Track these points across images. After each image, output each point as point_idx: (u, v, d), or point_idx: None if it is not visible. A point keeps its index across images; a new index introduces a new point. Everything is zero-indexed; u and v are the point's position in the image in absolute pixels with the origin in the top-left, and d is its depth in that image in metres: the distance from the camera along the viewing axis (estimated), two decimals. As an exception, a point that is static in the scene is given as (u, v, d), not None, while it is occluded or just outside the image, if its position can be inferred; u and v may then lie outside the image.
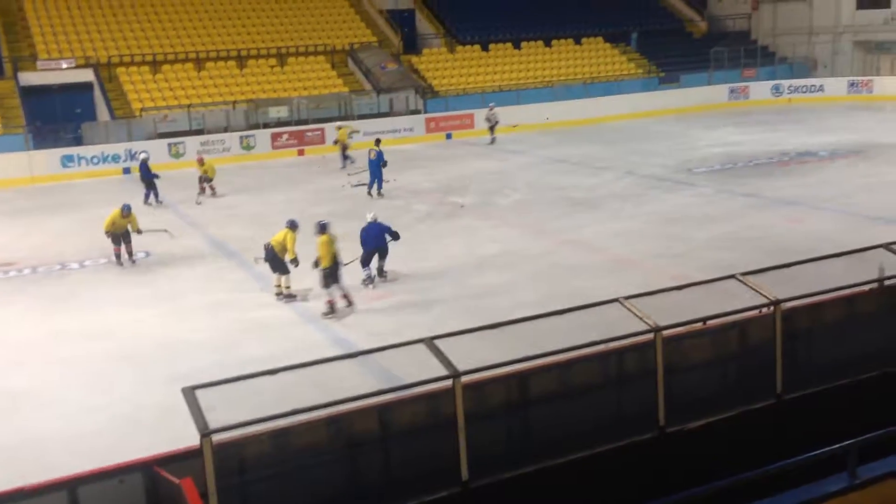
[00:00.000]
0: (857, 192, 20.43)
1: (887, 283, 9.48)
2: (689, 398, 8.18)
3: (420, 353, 7.60)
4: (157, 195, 23.39)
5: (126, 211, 17.28)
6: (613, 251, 16.83)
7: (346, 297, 13.90)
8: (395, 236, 15.34)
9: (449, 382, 6.89)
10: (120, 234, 17.36)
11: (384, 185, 23.38)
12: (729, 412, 7.76)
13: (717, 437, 7.63)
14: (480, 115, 34.55)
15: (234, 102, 32.84)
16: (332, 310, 13.74)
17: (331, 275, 13.63)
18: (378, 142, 23.72)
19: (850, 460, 6.04)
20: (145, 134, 30.60)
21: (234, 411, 6.40)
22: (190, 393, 6.25)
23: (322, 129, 32.23)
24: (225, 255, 17.93)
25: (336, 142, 29.08)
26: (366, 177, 23.77)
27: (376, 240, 15.03)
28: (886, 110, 34.66)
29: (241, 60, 35.50)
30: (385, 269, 15.38)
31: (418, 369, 7.44)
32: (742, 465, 6.10)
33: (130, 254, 17.58)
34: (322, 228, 13.81)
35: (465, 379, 7.01)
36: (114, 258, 17.48)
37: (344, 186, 24.67)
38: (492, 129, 31.87)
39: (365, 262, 15.08)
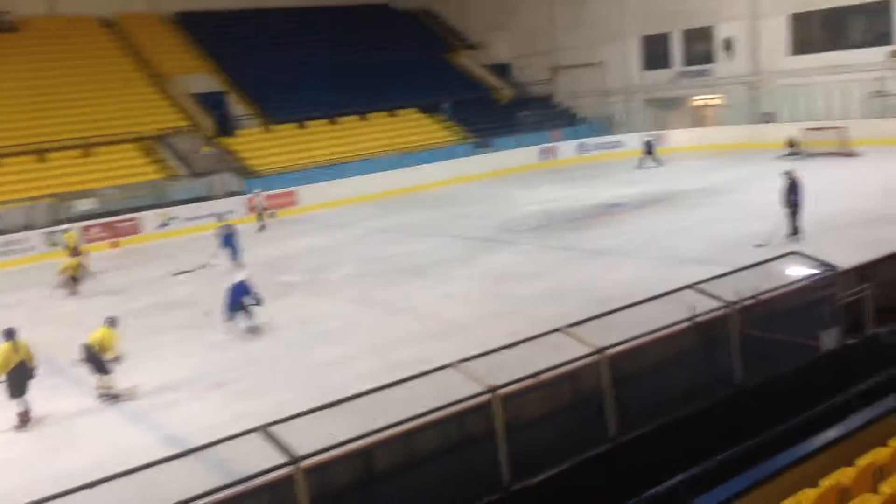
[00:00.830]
0: (664, 237, 21.85)
1: (698, 319, 10.12)
2: (531, 451, 8.30)
3: (259, 443, 7.29)
4: None
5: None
6: (446, 315, 17.02)
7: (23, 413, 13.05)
8: (258, 300, 16.59)
9: (291, 469, 6.63)
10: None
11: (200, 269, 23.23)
12: (569, 462, 7.92)
13: (560, 487, 7.75)
14: (302, 191, 34.50)
15: (36, 198, 30.90)
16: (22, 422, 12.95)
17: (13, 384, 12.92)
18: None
19: (683, 495, 6.30)
20: (-63, 238, 28.15)
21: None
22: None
23: (136, 219, 30.90)
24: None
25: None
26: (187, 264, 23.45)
27: (234, 298, 16.29)
28: (677, 160, 37.56)
29: (41, 154, 33.59)
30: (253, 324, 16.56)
31: (261, 458, 7.12)
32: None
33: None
34: (8, 335, 13.15)
35: (306, 463, 6.77)
36: None
37: (165, 276, 23.65)
38: (259, 215, 31.30)
39: (229, 314, 16.36)
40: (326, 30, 46.88)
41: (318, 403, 7.77)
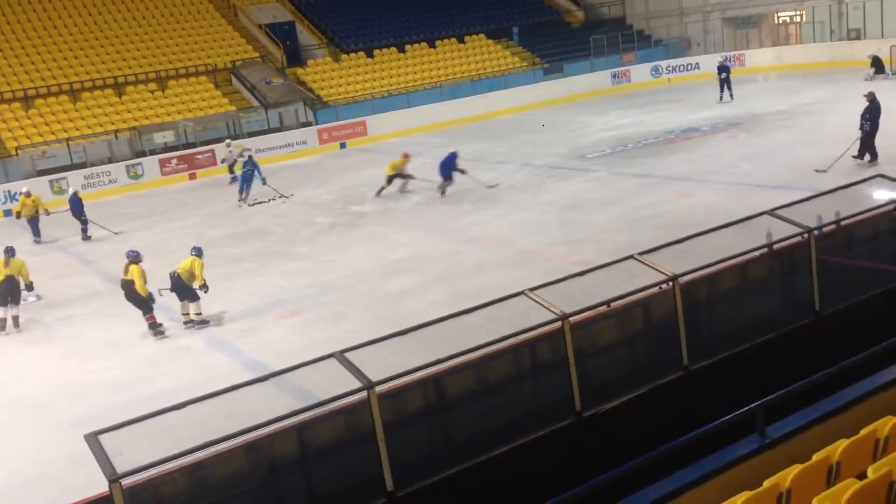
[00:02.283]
0: (739, 162, 21.26)
1: (775, 247, 9.87)
2: (602, 380, 8.33)
3: (334, 368, 7.49)
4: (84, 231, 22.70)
5: (8, 254, 15.35)
6: (517, 244, 17.02)
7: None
8: (463, 171, 21.78)
9: (364, 394, 6.81)
10: (6, 291, 14.99)
11: (283, 198, 24.03)
12: (641, 389, 7.93)
13: (632, 415, 7.79)
14: (372, 122, 34.59)
15: (116, 132, 31.75)
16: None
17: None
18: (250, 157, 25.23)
19: (759, 421, 6.25)
20: (23, 173, 29.22)
21: (144, 452, 6.16)
22: (93, 439, 5.98)
23: (212, 151, 31.50)
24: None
25: (223, 161, 28.78)
26: (263, 193, 23.94)
27: (444, 168, 21.77)
28: (758, 81, 36.22)
29: (118, 87, 34.35)
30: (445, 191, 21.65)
31: (333, 384, 7.32)
32: (657, 439, 6.23)
33: (17, 322, 15.22)
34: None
35: (380, 388, 6.94)
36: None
37: (241, 206, 24.19)
38: (231, 167, 28.44)
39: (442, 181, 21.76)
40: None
41: (391, 331, 7.90)
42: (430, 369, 7.65)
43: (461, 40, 41.93)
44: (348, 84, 37.57)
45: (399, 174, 23.28)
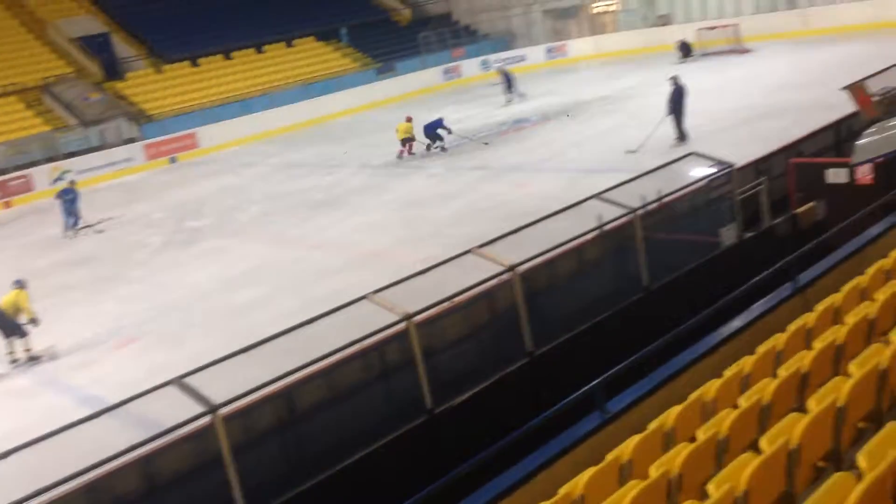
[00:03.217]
0: (569, 148, 22.10)
1: (606, 228, 10.33)
2: (452, 375, 8.45)
3: (179, 394, 7.19)
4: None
5: None
6: (361, 246, 16.95)
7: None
8: (450, 129, 23.99)
9: (210, 418, 6.58)
10: None
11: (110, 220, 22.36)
12: (489, 379, 8.08)
13: (482, 406, 7.93)
14: (202, 133, 33.58)
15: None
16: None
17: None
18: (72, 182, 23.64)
19: (599, 398, 6.51)
20: None
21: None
22: None
23: (27, 176, 29.49)
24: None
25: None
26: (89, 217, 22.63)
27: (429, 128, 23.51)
28: (581, 70, 37.78)
29: (-84, 114, 31.57)
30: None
31: (181, 410, 7.04)
32: (508, 426, 6.36)
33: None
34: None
35: (226, 410, 6.72)
36: None
37: (68, 235, 22.81)
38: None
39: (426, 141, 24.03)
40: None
41: (239, 347, 7.68)
42: (280, 383, 7.50)
43: (289, 44, 41.29)
44: (174, 95, 36.16)
45: (412, 137, 25.17)
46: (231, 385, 7.26)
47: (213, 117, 34.45)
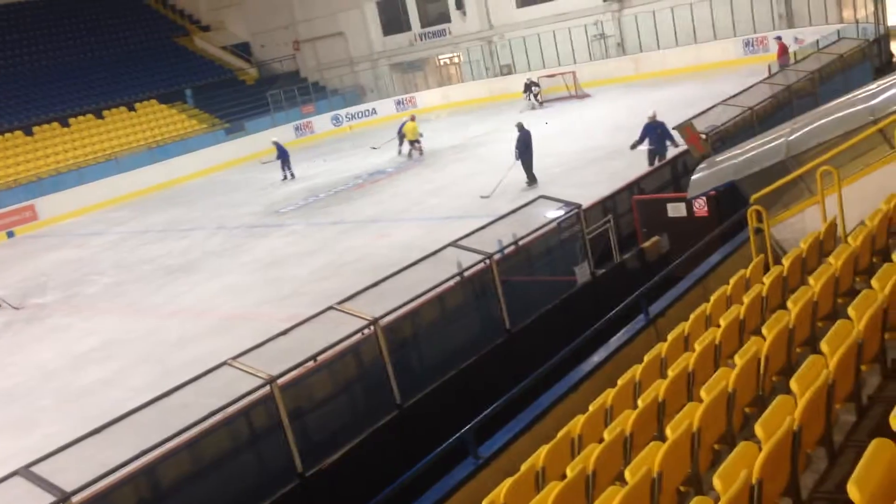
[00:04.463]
0: (425, 197, 22.42)
1: (466, 274, 10.49)
2: (323, 435, 8.28)
3: (28, 485, 6.70)
4: None
5: None
6: (221, 310, 16.48)
7: None
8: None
9: (63, 508, 6.15)
10: None
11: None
12: (360, 436, 7.98)
13: (355, 464, 7.80)
14: (41, 204, 31.97)
15: None
16: None
17: None
18: None
19: (470, 444, 6.55)
20: None
21: None
22: None
23: None
24: None
25: None
26: None
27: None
28: (431, 119, 38.56)
29: None
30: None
31: (33, 502, 6.55)
32: (381, 483, 6.29)
33: None
34: None
35: (79, 497, 6.31)
36: None
37: None
38: None
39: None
40: (43, 23, 43.06)
41: (92, 428, 7.24)
42: (140, 461, 7.13)
43: (131, 108, 40.08)
44: (7, 167, 34.21)
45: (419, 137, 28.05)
46: (86, 470, 6.84)
47: (53, 187, 32.81)
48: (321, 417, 8.46)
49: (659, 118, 18.52)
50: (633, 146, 18.92)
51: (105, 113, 39.09)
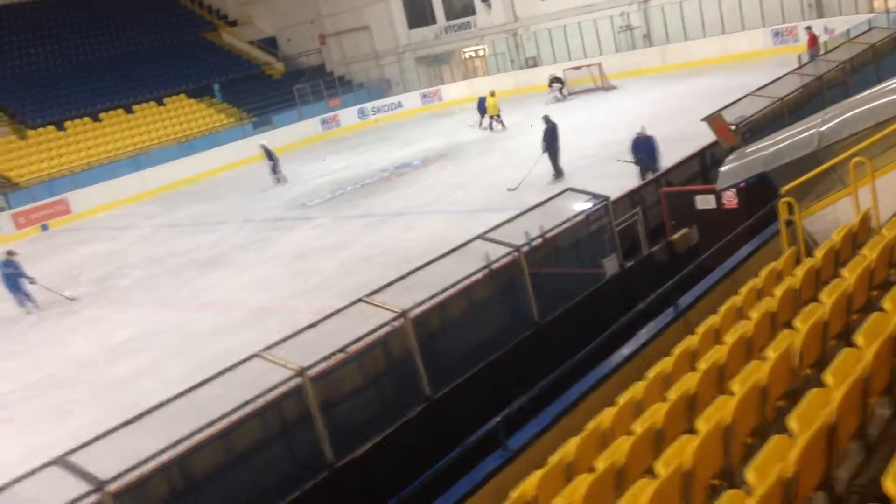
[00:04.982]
0: (451, 191, 22.44)
1: (493, 267, 10.49)
2: (352, 426, 8.33)
3: (64, 474, 6.82)
4: None
5: None
6: (250, 302, 16.63)
7: None
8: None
9: (97, 496, 6.25)
10: None
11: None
12: (389, 428, 8.02)
13: (384, 455, 7.85)
14: (74, 198, 32.35)
15: None
16: None
17: None
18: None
19: (500, 436, 6.57)
20: None
21: None
22: None
23: None
24: None
25: None
26: None
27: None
28: (456, 113, 38.55)
29: None
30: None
31: (68, 491, 6.67)
32: (410, 474, 6.33)
33: None
34: None
35: (115, 486, 6.41)
36: None
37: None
38: None
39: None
40: (75, 20, 43.61)
41: (127, 418, 7.35)
42: (173, 451, 7.22)
43: (160, 102, 40.47)
44: (41, 161, 34.74)
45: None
46: (120, 459, 6.94)
47: (84, 181, 33.26)
48: (351, 409, 8.52)
49: (649, 132, 17.97)
50: (622, 160, 18.24)
51: (135, 108, 39.51)
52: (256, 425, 8.07)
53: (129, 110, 39.25)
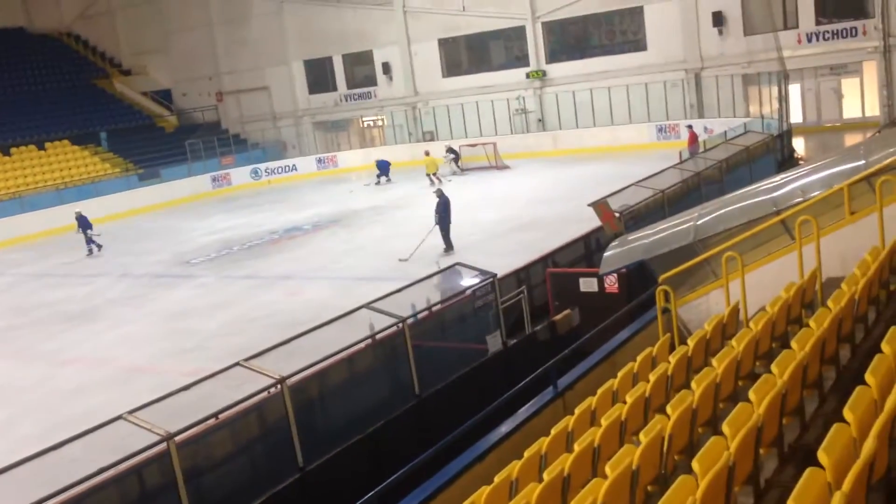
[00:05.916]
0: (341, 257, 22.29)
1: (378, 337, 10.42)
2: (220, 496, 7.97)
3: None
4: None
5: None
6: (120, 361, 15.86)
7: None
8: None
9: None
10: None
11: None
12: (259, 498, 7.72)
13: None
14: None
15: None
16: None
17: None
18: None
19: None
20: None
21: None
22: None
23: None
24: None
25: None
26: None
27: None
28: (351, 180, 38.65)
29: None
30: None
31: None
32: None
33: None
34: None
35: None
36: None
37: None
38: None
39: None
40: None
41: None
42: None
43: (41, 147, 38.89)
44: None
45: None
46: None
47: None
48: (220, 478, 8.17)
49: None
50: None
51: (13, 150, 37.82)
52: (115, 492, 7.63)
53: (6, 153, 37.56)
